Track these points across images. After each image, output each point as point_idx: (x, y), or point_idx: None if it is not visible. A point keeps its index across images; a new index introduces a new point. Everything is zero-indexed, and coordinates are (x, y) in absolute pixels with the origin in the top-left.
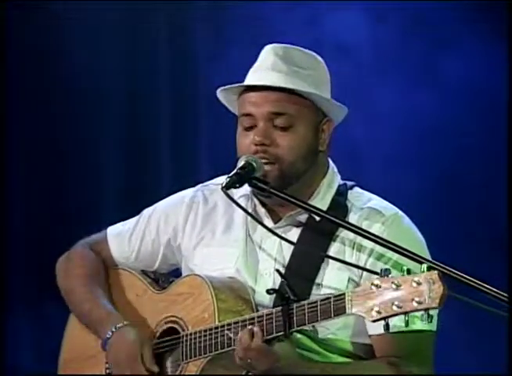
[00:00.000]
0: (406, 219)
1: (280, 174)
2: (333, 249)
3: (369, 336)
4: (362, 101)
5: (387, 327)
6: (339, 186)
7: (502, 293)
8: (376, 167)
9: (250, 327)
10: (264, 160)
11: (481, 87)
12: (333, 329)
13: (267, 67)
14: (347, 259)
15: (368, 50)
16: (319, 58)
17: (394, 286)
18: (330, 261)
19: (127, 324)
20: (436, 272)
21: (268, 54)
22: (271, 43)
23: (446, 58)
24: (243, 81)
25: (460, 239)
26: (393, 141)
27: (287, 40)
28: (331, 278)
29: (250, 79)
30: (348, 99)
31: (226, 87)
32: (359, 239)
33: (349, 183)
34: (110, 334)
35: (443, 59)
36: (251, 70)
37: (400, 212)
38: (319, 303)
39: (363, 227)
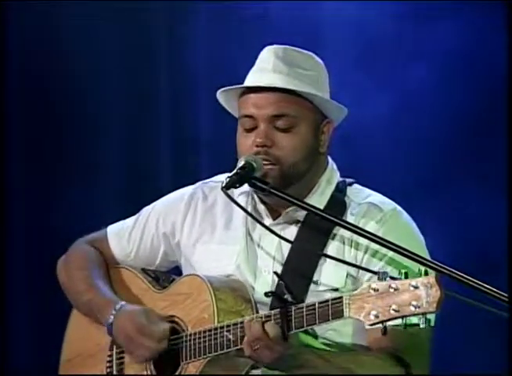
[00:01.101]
0: (405, 215)
1: (281, 174)
2: (331, 246)
3: (366, 330)
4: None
5: (384, 330)
6: (338, 182)
7: (502, 293)
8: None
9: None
10: (265, 162)
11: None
12: (333, 325)
13: (267, 69)
14: (345, 256)
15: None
16: (319, 59)
17: (391, 290)
18: None
19: (125, 305)
20: (433, 276)
21: (269, 55)
22: (271, 43)
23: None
24: (243, 81)
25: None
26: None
27: (289, 39)
28: (329, 275)
29: (251, 80)
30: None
31: (226, 88)
32: (356, 236)
33: (348, 180)
34: (112, 317)
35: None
36: (251, 72)
37: (399, 208)
38: (317, 306)
39: (361, 222)
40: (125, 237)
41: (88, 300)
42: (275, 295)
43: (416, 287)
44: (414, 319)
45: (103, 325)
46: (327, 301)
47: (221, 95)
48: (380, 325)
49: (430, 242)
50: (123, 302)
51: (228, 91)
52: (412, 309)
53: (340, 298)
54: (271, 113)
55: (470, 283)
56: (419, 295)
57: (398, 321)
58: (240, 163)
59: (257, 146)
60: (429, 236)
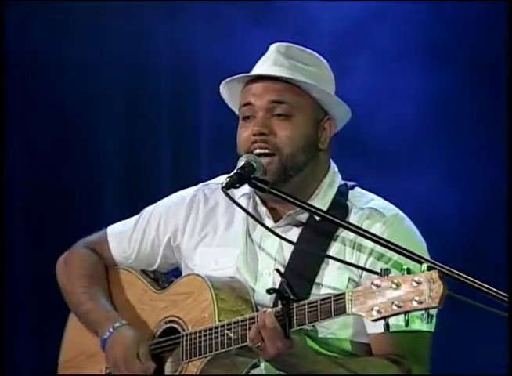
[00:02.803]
0: (407, 220)
1: (280, 166)
2: (333, 249)
3: (368, 335)
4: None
5: (387, 326)
6: (340, 186)
7: (502, 293)
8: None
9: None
10: (263, 151)
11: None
12: (332, 329)
13: (268, 62)
14: (347, 259)
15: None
16: (323, 59)
17: (394, 285)
18: (330, 260)
19: (124, 324)
20: (436, 271)
21: (271, 52)
22: (274, 41)
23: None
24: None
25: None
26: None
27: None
28: (331, 278)
29: (252, 73)
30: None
31: (227, 80)
32: (359, 239)
33: (350, 183)
34: (108, 334)
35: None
36: (254, 67)
37: (401, 213)
38: (319, 303)
39: (363, 227)
40: (126, 240)
41: (88, 311)
42: (277, 292)
43: (418, 283)
44: (417, 324)
45: (98, 337)
46: (329, 297)
47: (223, 90)
48: (383, 321)
49: None
50: (123, 321)
51: (231, 87)
52: (415, 304)
53: (343, 294)
54: (270, 98)
55: (471, 283)
56: (421, 290)
57: (401, 319)
58: (240, 163)
59: (254, 134)
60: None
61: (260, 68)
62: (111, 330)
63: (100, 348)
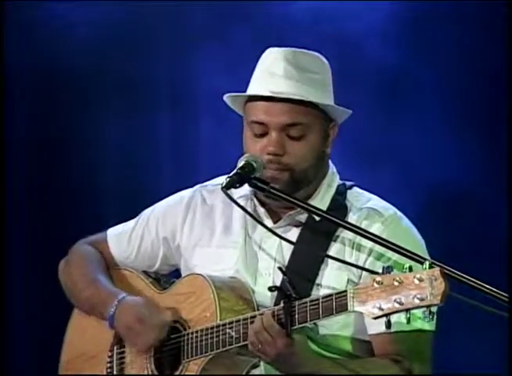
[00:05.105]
0: (405, 219)
1: (291, 181)
2: (333, 249)
3: (369, 335)
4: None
5: (388, 324)
6: (338, 185)
7: (502, 293)
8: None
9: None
10: (276, 170)
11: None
12: (333, 328)
13: (278, 74)
14: (347, 259)
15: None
16: (324, 59)
17: (396, 283)
18: (330, 261)
19: (126, 296)
20: (438, 268)
21: (278, 59)
22: (272, 45)
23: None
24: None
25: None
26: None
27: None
28: (330, 278)
29: (261, 86)
30: None
31: (235, 94)
32: (359, 239)
33: (348, 183)
34: (114, 309)
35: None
36: (259, 75)
37: (399, 212)
38: (320, 300)
39: (362, 227)
40: (125, 240)
41: (90, 295)
42: (278, 290)
43: (420, 280)
44: (419, 323)
45: (105, 319)
46: (331, 295)
47: (228, 97)
48: (384, 318)
49: None
50: (124, 294)
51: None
52: (417, 301)
53: (345, 291)
54: (284, 122)
55: (471, 283)
56: (423, 288)
57: (403, 317)
58: (240, 163)
59: (268, 153)
60: None
61: (269, 80)
62: (116, 303)
63: (101, 349)
